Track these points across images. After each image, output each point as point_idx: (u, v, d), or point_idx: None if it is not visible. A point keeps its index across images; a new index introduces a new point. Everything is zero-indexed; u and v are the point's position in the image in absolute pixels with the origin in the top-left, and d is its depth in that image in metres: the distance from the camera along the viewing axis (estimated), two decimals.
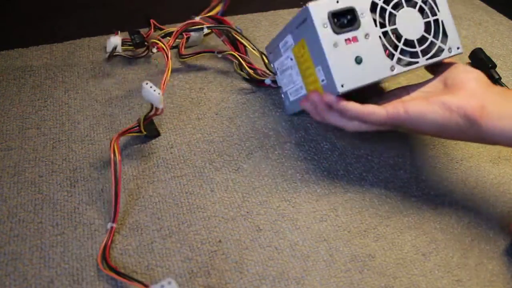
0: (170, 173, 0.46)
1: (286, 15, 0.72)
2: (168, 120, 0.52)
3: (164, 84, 0.47)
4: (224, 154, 0.48)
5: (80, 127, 0.50)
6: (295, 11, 0.74)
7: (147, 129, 0.48)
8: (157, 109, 0.46)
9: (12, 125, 0.50)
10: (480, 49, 0.64)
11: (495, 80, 0.60)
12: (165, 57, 0.52)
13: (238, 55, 0.57)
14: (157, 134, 0.50)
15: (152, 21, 0.60)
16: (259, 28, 0.68)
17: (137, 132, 0.47)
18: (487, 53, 0.63)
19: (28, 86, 0.55)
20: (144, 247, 0.39)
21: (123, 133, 0.46)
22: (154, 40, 0.55)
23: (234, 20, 0.69)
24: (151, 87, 0.44)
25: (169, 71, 0.49)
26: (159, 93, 0.44)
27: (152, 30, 0.60)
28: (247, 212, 0.43)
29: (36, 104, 0.52)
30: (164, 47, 0.53)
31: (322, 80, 0.42)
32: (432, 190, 0.46)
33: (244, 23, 0.69)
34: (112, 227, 0.39)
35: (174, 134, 0.50)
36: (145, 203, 0.43)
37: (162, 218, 0.42)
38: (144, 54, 0.59)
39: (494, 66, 0.61)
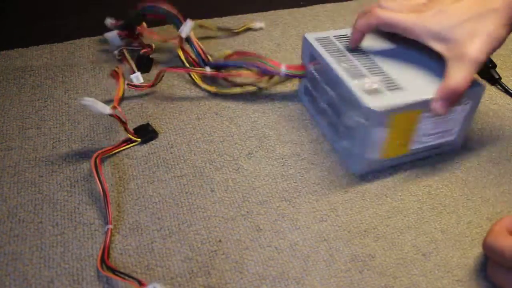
0: (170, 173, 0.46)
1: (286, 15, 0.72)
2: (168, 120, 0.52)
3: (116, 101, 0.48)
4: (224, 154, 0.48)
5: (80, 127, 0.50)
6: (295, 11, 0.74)
7: (142, 133, 0.49)
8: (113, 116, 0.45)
9: (12, 125, 0.50)
10: None
11: (495, 80, 0.60)
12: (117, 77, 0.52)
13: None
14: (155, 135, 0.49)
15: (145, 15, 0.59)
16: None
17: (131, 143, 0.48)
18: None
19: (28, 86, 0.55)
20: (144, 247, 0.39)
21: (105, 153, 0.46)
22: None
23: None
24: (88, 101, 0.43)
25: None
26: (92, 100, 0.43)
27: (144, 26, 0.59)
28: (247, 212, 0.43)
29: (36, 104, 0.53)
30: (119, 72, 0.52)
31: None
32: (432, 190, 0.46)
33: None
34: (108, 229, 0.39)
35: (174, 134, 0.50)
36: (145, 203, 0.43)
37: (162, 218, 0.42)
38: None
39: (494, 66, 0.61)
